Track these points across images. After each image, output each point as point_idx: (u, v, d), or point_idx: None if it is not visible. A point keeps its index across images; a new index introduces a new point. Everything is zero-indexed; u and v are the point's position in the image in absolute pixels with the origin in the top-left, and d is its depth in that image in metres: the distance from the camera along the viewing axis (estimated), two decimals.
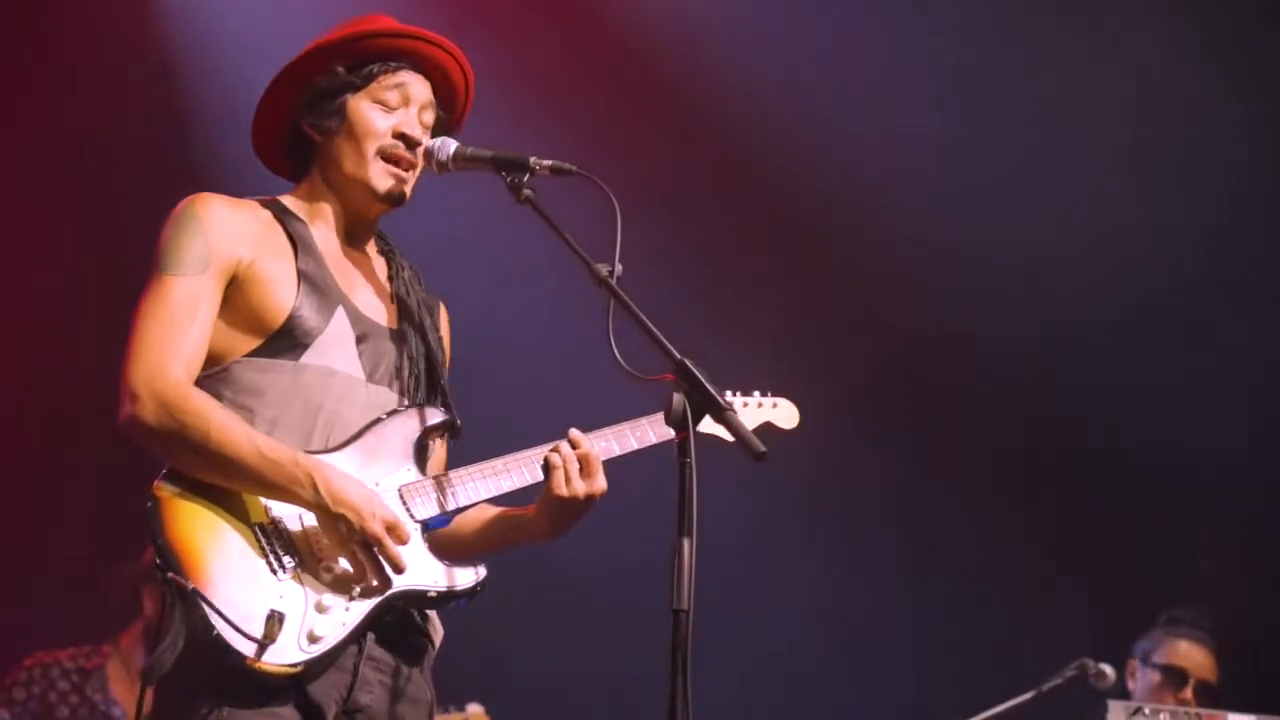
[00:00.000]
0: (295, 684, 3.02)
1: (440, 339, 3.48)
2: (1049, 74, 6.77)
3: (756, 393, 3.76)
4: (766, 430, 3.71)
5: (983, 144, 6.74)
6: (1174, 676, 5.71)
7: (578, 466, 3.29)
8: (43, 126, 6.41)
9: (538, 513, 3.36)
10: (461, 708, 6.07)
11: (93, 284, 6.25)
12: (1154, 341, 6.80)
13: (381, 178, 3.35)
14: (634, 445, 3.43)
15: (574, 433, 3.33)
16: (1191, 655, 5.76)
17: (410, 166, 3.38)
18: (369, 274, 3.43)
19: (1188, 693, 5.68)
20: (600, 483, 3.31)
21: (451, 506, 3.27)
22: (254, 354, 3.20)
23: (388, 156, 3.35)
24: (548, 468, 3.30)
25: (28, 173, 6.40)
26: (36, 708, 5.83)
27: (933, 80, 6.82)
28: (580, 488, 3.29)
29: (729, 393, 3.69)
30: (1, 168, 6.31)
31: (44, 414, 6.43)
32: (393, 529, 3.11)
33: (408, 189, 3.39)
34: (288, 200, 3.41)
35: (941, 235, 6.86)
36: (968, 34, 6.77)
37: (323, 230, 3.37)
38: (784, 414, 3.77)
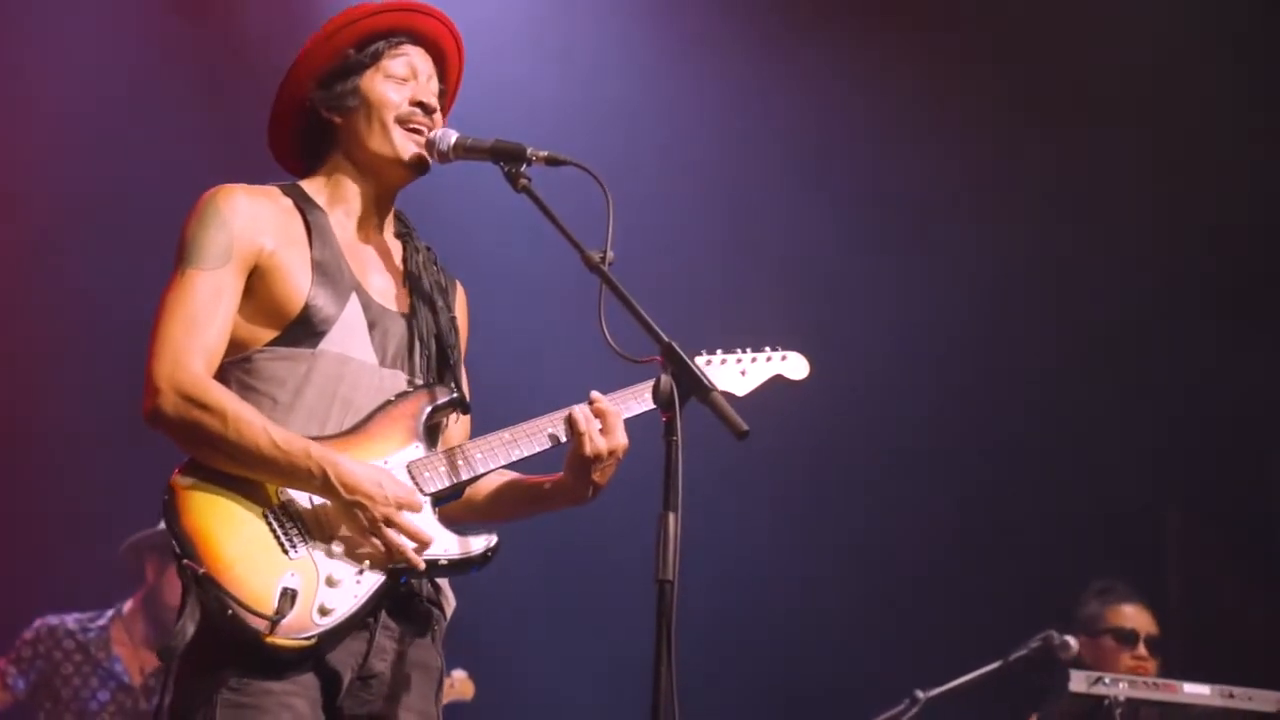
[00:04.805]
0: (311, 654, 3.12)
1: (453, 319, 3.54)
2: None
3: (767, 347, 3.79)
4: (777, 383, 3.75)
5: None
6: (1126, 636, 5.88)
7: (598, 425, 3.36)
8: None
9: (566, 476, 3.42)
10: (446, 673, 6.23)
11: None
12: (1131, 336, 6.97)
13: (405, 145, 3.45)
14: (634, 410, 3.47)
15: (594, 394, 3.41)
16: (1137, 616, 5.93)
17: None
18: (384, 257, 3.51)
19: (1141, 648, 5.85)
20: (621, 438, 3.37)
21: (462, 478, 3.34)
22: (273, 343, 3.29)
23: (407, 124, 3.46)
24: (571, 428, 3.36)
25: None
26: (44, 665, 6.12)
27: None
28: (601, 444, 3.35)
29: (739, 349, 3.75)
30: None
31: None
32: (405, 505, 3.20)
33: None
34: (308, 186, 3.49)
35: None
36: None
37: (340, 215, 3.46)
38: (794, 366, 3.80)
